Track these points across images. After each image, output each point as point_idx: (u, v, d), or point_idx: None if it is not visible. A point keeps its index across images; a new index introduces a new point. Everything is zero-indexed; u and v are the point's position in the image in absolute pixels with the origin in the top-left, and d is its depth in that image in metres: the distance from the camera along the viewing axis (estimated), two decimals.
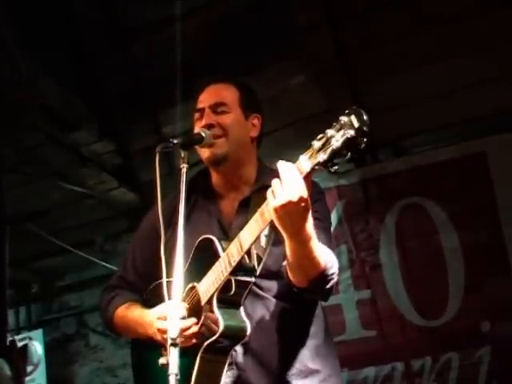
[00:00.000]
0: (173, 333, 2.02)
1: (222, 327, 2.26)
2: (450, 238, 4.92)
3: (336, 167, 2.00)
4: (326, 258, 2.26)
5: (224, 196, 2.60)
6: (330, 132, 2.00)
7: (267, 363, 2.38)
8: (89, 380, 6.79)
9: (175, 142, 2.34)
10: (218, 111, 2.54)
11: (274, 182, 2.09)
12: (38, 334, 6.80)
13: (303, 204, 2.06)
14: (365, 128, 1.95)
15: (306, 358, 2.42)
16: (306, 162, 2.04)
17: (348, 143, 1.96)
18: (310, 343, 2.45)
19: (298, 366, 2.40)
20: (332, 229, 2.65)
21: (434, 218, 4.97)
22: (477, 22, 4.65)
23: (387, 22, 4.77)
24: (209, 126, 2.50)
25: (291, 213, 2.07)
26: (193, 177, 2.60)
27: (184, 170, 2.30)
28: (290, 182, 2.04)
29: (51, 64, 4.81)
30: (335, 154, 1.97)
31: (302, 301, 2.38)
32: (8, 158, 4.90)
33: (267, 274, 2.40)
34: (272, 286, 2.43)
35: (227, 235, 2.47)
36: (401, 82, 4.88)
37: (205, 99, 2.59)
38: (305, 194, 2.05)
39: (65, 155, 5.21)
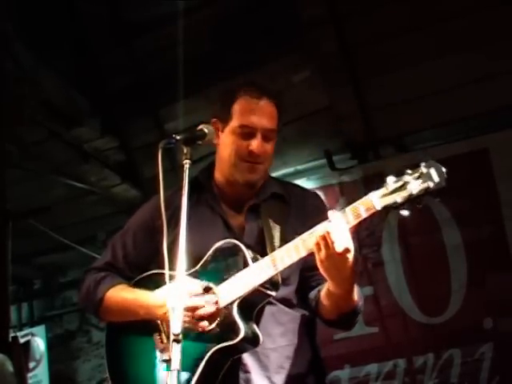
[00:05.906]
0: (175, 329, 1.99)
1: (242, 334, 2.26)
2: (452, 234, 4.92)
3: (405, 212, 2.13)
4: (358, 293, 2.32)
5: (227, 194, 2.59)
6: (406, 177, 2.12)
7: (269, 368, 2.38)
8: (91, 376, 6.80)
9: (178, 138, 2.31)
10: (268, 138, 2.47)
11: (323, 229, 2.14)
12: (40, 330, 6.81)
13: (348, 255, 2.13)
14: (443, 183, 2.10)
15: (304, 370, 2.43)
16: (377, 200, 2.14)
17: (425, 193, 2.09)
18: (308, 355, 2.47)
19: (295, 378, 2.41)
20: None
21: (436, 215, 4.96)
22: (477, 19, 4.65)
23: (390, 19, 4.77)
24: (256, 156, 2.44)
25: (336, 264, 2.15)
26: (195, 175, 2.58)
27: (187, 166, 2.28)
28: (337, 233, 2.11)
29: (54, 60, 4.81)
30: (410, 199, 2.10)
31: (307, 310, 2.43)
32: (10, 154, 4.89)
33: None
34: (280, 292, 2.40)
35: (234, 235, 2.46)
36: (403, 79, 4.88)
37: (259, 120, 2.45)
38: (351, 245, 2.12)
39: (67, 151, 5.20)
